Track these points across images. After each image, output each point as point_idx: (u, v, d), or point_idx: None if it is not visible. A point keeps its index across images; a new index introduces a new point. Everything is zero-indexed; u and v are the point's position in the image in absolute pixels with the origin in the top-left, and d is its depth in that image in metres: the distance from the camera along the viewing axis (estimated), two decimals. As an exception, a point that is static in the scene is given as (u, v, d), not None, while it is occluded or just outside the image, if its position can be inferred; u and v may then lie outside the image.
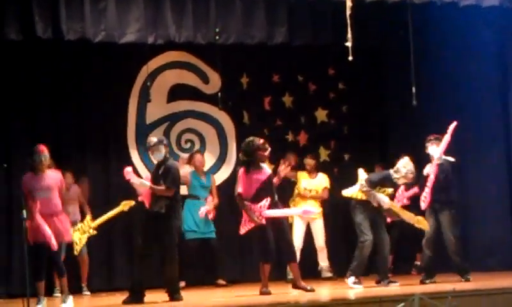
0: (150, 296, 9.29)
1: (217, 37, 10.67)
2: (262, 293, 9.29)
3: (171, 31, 10.58)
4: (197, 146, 12.39)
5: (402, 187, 10.10)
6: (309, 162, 12.03)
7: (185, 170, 11.36)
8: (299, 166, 12.13)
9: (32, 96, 11.66)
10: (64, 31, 10.10)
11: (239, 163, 9.74)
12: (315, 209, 10.61)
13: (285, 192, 11.27)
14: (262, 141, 9.52)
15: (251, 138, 9.55)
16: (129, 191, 9.77)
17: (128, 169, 9.40)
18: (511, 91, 11.64)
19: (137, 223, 9.82)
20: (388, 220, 10.11)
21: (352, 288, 9.62)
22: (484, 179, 11.63)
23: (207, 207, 11.55)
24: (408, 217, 9.91)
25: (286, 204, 10.80)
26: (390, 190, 9.87)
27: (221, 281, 11.50)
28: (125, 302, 9.06)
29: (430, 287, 9.36)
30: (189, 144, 12.41)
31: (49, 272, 9.81)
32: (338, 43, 10.04)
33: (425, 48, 11.31)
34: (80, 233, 10.93)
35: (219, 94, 11.64)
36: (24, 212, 8.49)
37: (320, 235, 11.91)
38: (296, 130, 12.84)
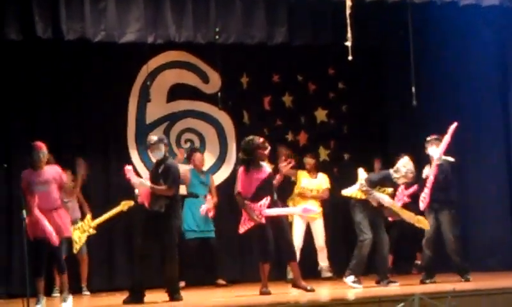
0: (150, 296, 9.30)
1: (217, 37, 10.67)
2: (262, 293, 9.29)
3: (171, 30, 10.59)
4: (197, 146, 12.39)
5: (402, 186, 10.10)
6: (309, 161, 12.04)
7: (184, 168, 11.36)
8: (299, 166, 12.13)
9: (32, 96, 11.66)
10: (64, 30, 10.11)
11: (238, 162, 9.74)
12: (315, 208, 10.60)
13: (284, 192, 11.28)
14: (261, 139, 9.53)
15: (250, 137, 9.55)
16: (129, 191, 9.77)
17: (129, 167, 9.40)
18: (511, 91, 11.64)
19: (137, 223, 9.82)
20: (390, 219, 10.10)
21: (352, 287, 9.61)
22: (484, 179, 11.63)
23: (207, 205, 11.56)
24: (408, 216, 9.91)
25: (285, 204, 10.79)
26: (390, 190, 9.87)
27: (221, 281, 11.50)
28: (125, 302, 9.06)
29: (430, 287, 9.36)
30: (188, 144, 12.41)
31: (49, 271, 9.81)
32: (338, 42, 10.04)
33: (425, 48, 11.31)
34: (80, 232, 10.94)
35: (219, 94, 11.64)
36: (24, 211, 8.49)
37: (320, 234, 11.91)
38: (296, 130, 12.84)
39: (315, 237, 11.90)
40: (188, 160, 11.85)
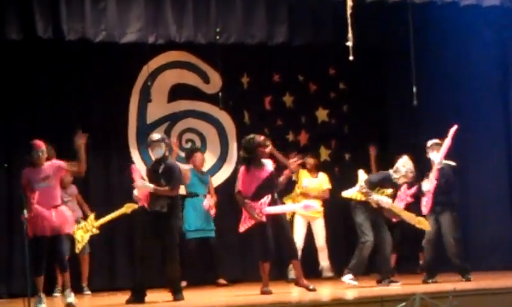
0: (151, 296, 9.30)
1: (217, 37, 10.68)
2: (263, 292, 9.29)
3: (172, 30, 10.60)
4: (198, 146, 12.38)
5: (404, 186, 10.10)
6: (309, 161, 12.04)
7: (183, 167, 11.37)
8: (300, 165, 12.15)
9: (32, 96, 11.66)
10: (64, 30, 10.12)
11: (239, 161, 9.73)
12: (316, 204, 10.56)
13: (285, 191, 11.26)
14: (262, 137, 9.54)
15: (251, 135, 9.56)
16: (130, 191, 9.74)
17: (136, 168, 9.39)
18: (511, 91, 11.64)
19: (138, 224, 9.80)
20: (394, 220, 10.11)
21: (348, 284, 9.61)
22: (485, 178, 11.64)
23: (208, 201, 11.56)
24: (409, 217, 9.91)
25: (283, 203, 10.77)
26: (390, 191, 9.87)
27: (221, 281, 11.50)
28: (128, 302, 9.06)
29: (431, 287, 9.37)
30: (189, 144, 12.42)
31: (50, 270, 9.81)
32: (339, 42, 10.04)
33: (425, 48, 11.30)
34: (83, 232, 10.95)
35: (220, 94, 11.65)
36: (25, 211, 8.49)
37: (320, 234, 11.91)
38: (297, 130, 12.84)
39: (315, 237, 11.90)
40: (188, 160, 11.83)
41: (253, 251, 11.02)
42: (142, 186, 9.21)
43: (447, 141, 9.92)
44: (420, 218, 9.89)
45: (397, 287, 9.58)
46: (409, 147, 11.38)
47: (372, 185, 9.80)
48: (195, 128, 12.47)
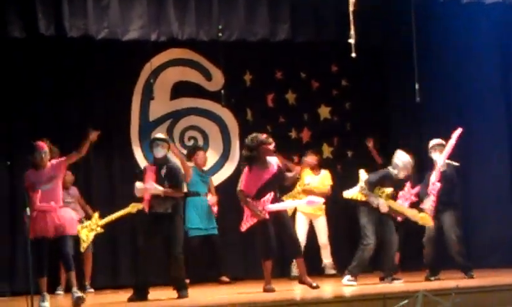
0: (154, 293, 9.31)
1: (220, 34, 10.70)
2: (265, 290, 9.29)
3: (174, 28, 10.60)
4: (200, 144, 12.39)
5: (408, 185, 10.10)
6: (312, 157, 12.03)
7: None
8: (301, 162, 12.15)
9: (35, 94, 11.67)
10: (67, 28, 10.13)
11: (242, 160, 9.68)
12: (319, 199, 10.50)
13: (285, 189, 11.25)
14: (265, 135, 9.53)
15: (253, 134, 9.54)
16: (132, 190, 9.73)
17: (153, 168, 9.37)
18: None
19: (140, 223, 9.78)
20: (399, 219, 10.10)
21: (346, 285, 9.62)
22: (486, 178, 11.63)
23: (213, 198, 11.57)
24: (411, 214, 9.91)
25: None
26: (390, 190, 9.85)
27: (224, 278, 11.51)
28: (130, 299, 9.07)
29: (434, 284, 9.36)
30: (192, 141, 12.41)
31: (52, 269, 9.82)
32: (341, 40, 10.03)
33: (427, 45, 11.30)
34: (87, 231, 10.96)
35: (222, 91, 11.67)
36: (28, 209, 8.49)
37: (323, 232, 11.91)
38: (299, 127, 12.84)
39: (318, 234, 11.90)
40: (190, 158, 11.82)
41: (255, 248, 11.02)
42: (152, 189, 9.19)
43: (451, 144, 9.88)
44: (423, 214, 9.88)
45: (399, 284, 9.58)
46: (412, 144, 11.41)
47: (372, 185, 9.79)
48: (197, 126, 12.47)
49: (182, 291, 9.13)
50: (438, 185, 9.91)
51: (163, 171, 9.24)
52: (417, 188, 10.43)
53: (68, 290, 9.73)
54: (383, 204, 9.75)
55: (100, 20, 10.29)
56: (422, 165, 10.53)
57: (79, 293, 8.84)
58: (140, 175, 9.42)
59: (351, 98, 13.04)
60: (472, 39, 11.59)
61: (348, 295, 8.59)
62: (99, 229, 11.01)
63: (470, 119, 11.60)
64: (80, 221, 10.78)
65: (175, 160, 9.58)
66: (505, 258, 11.30)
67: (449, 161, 10.04)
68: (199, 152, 11.86)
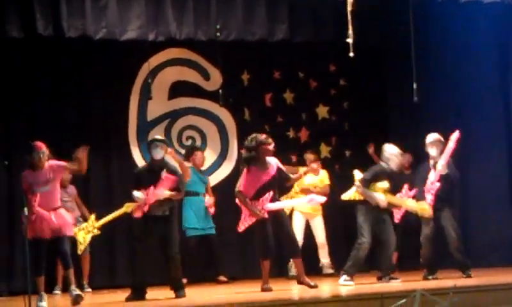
0: (152, 293, 9.31)
1: (218, 34, 10.69)
2: (263, 289, 9.29)
3: (172, 27, 10.61)
4: (198, 143, 12.39)
5: (405, 187, 10.10)
6: (309, 157, 12.03)
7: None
8: (299, 162, 12.16)
9: (33, 94, 11.66)
10: (65, 28, 10.14)
11: (242, 161, 9.65)
12: (321, 198, 10.49)
13: (283, 190, 11.25)
14: (264, 135, 9.53)
15: (253, 134, 9.54)
16: (129, 192, 9.71)
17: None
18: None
19: (136, 224, 9.74)
20: (396, 220, 10.10)
21: (343, 285, 9.62)
22: (485, 178, 11.63)
23: (210, 200, 11.57)
24: (410, 206, 9.93)
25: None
26: (386, 184, 9.86)
27: (222, 278, 11.51)
28: (127, 299, 9.07)
29: (431, 283, 9.37)
30: (190, 141, 12.41)
31: (50, 268, 9.82)
32: (339, 39, 10.03)
33: (426, 45, 11.31)
34: (84, 233, 10.95)
35: (220, 91, 11.64)
36: (26, 209, 8.49)
37: (320, 231, 11.92)
38: (297, 127, 12.84)
39: (315, 234, 11.90)
40: (188, 158, 11.80)
41: (253, 248, 11.02)
42: (162, 194, 9.19)
43: (450, 147, 9.88)
44: (421, 204, 9.88)
45: (397, 284, 9.58)
46: (410, 143, 11.42)
47: (367, 182, 9.81)
48: (195, 126, 12.48)
49: (179, 291, 9.13)
50: (437, 185, 9.91)
51: (163, 173, 9.23)
52: (414, 191, 10.44)
53: (65, 289, 9.74)
54: (381, 199, 9.76)
55: (98, 20, 10.30)
56: (420, 162, 10.52)
57: (78, 291, 8.85)
58: (138, 182, 9.37)
59: (349, 97, 13.04)
60: (470, 39, 11.60)
61: (346, 295, 8.60)
62: (96, 231, 11.00)
63: (468, 118, 11.62)
64: (76, 221, 10.76)
65: (173, 162, 9.58)
66: (504, 257, 11.31)
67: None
68: (197, 152, 11.86)
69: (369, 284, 9.64)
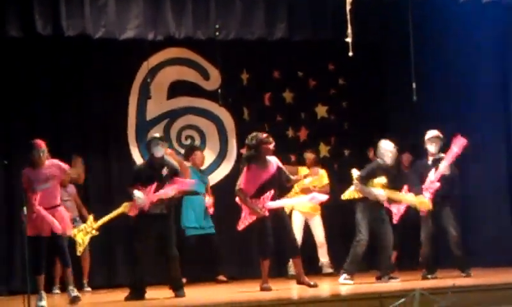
0: (151, 293, 9.31)
1: (217, 33, 10.69)
2: (262, 289, 9.29)
3: (171, 27, 10.60)
4: (197, 143, 12.39)
5: (405, 187, 10.11)
6: (309, 156, 12.03)
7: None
8: (299, 161, 12.16)
9: (32, 93, 11.65)
10: (64, 27, 10.13)
11: (243, 160, 9.66)
12: (323, 196, 10.49)
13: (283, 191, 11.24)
14: (265, 134, 9.56)
15: (254, 133, 9.58)
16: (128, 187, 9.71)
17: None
18: (511, 87, 11.62)
19: (134, 223, 9.73)
20: (395, 221, 10.10)
21: (343, 283, 9.63)
22: (485, 175, 11.62)
23: (210, 200, 11.57)
24: (410, 200, 9.94)
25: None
26: (384, 181, 9.87)
27: (221, 277, 11.50)
28: (127, 298, 9.07)
29: (430, 283, 9.37)
30: (189, 141, 12.41)
31: (49, 267, 9.81)
32: (338, 38, 10.03)
33: (425, 43, 11.30)
34: (83, 234, 10.94)
35: (219, 90, 11.65)
36: (25, 208, 8.50)
37: (319, 231, 11.91)
38: (296, 126, 12.84)
39: (314, 234, 11.90)
40: (187, 157, 11.80)
41: (252, 247, 11.04)
42: (169, 193, 9.22)
43: (454, 152, 9.90)
44: (421, 198, 9.89)
45: (396, 283, 9.58)
46: (409, 142, 11.41)
47: (364, 179, 9.84)
48: (195, 125, 12.47)
49: (178, 290, 9.14)
50: (437, 185, 9.92)
51: (164, 171, 9.24)
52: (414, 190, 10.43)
53: (64, 289, 9.74)
54: (380, 194, 9.77)
55: (97, 20, 10.29)
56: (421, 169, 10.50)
57: (76, 293, 8.86)
58: (138, 179, 9.36)
59: (348, 97, 13.04)
60: (469, 38, 11.58)
61: (345, 294, 8.60)
62: (94, 232, 11.00)
63: (468, 117, 11.60)
64: (74, 220, 10.75)
65: (171, 160, 9.57)
66: (503, 257, 11.29)
67: (443, 155, 10.10)
68: (197, 152, 11.86)
69: (368, 284, 9.64)
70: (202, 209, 11.55)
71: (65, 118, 11.76)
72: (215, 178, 12.21)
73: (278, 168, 9.49)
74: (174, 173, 9.31)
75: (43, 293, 8.89)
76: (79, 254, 10.77)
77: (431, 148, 10.07)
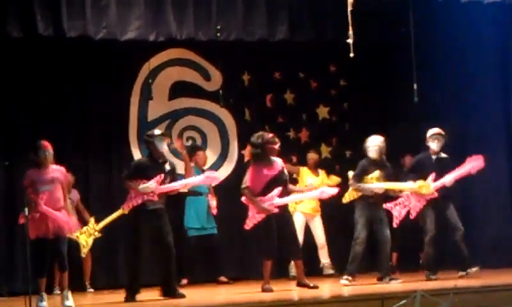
0: (151, 293, 9.30)
1: (218, 34, 10.68)
2: (264, 290, 9.30)
3: (173, 28, 10.59)
4: (198, 144, 12.38)
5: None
6: (312, 156, 12.05)
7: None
8: (301, 162, 12.16)
9: (33, 94, 11.65)
10: (65, 28, 10.12)
11: (251, 158, 9.71)
12: (332, 189, 10.45)
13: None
14: (271, 135, 9.63)
15: (260, 132, 9.68)
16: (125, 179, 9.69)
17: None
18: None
19: (132, 221, 9.73)
20: (395, 224, 10.10)
21: (344, 285, 9.63)
22: (486, 177, 11.59)
23: (214, 201, 11.57)
24: (409, 187, 9.94)
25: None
26: (377, 173, 9.88)
27: (222, 278, 11.50)
28: (126, 299, 9.07)
29: (432, 284, 9.37)
30: (190, 142, 12.41)
31: (50, 269, 9.81)
32: (340, 40, 10.03)
33: (426, 44, 11.30)
34: (86, 236, 10.95)
35: (221, 91, 11.66)
36: (26, 209, 8.49)
37: (320, 232, 11.92)
38: (298, 127, 12.84)
39: (315, 235, 11.90)
40: (189, 158, 11.80)
41: (253, 248, 11.04)
42: (177, 187, 9.35)
43: (467, 171, 9.93)
44: (420, 182, 9.89)
45: (397, 284, 9.58)
46: (410, 143, 11.41)
47: (358, 177, 9.90)
48: (196, 126, 12.47)
49: (171, 292, 9.07)
50: (435, 194, 9.95)
51: (167, 167, 9.29)
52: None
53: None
54: (376, 187, 9.80)
55: (98, 21, 10.28)
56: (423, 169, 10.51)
57: (70, 302, 8.84)
58: (139, 172, 9.36)
59: (349, 97, 13.04)
60: (471, 38, 11.58)
61: (346, 295, 8.60)
62: (97, 234, 11.02)
63: (469, 118, 11.60)
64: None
65: (171, 157, 9.63)
66: (504, 258, 11.28)
67: (445, 155, 10.10)
68: (199, 152, 11.87)
69: (369, 285, 9.64)
70: (205, 209, 11.55)
71: (66, 119, 11.76)
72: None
73: (282, 168, 9.53)
74: (174, 170, 9.41)
75: (44, 295, 8.89)
76: (83, 255, 10.80)
77: (433, 145, 10.10)
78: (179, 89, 12.42)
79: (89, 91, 11.90)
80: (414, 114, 11.83)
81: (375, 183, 9.88)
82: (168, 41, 10.95)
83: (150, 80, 11.60)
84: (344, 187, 10.36)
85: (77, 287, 10.45)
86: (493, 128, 11.72)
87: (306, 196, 10.66)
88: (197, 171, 11.63)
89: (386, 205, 10.01)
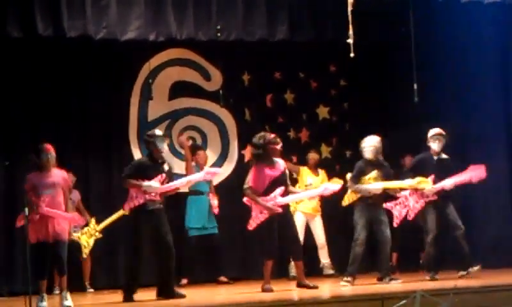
0: (151, 293, 9.30)
1: (218, 34, 10.68)
2: (264, 290, 9.30)
3: (173, 28, 10.60)
4: (199, 143, 12.38)
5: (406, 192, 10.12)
6: (313, 156, 12.05)
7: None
8: (301, 162, 12.16)
9: (33, 95, 11.65)
10: (65, 28, 10.12)
11: (253, 159, 9.72)
12: (335, 185, 10.46)
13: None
14: (273, 135, 9.64)
15: (262, 133, 9.70)
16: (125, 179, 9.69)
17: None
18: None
19: (132, 221, 9.73)
20: (395, 224, 10.10)
21: (344, 285, 9.65)
22: (487, 177, 11.60)
23: (215, 201, 11.57)
24: (408, 185, 9.94)
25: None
26: (374, 173, 9.87)
27: (223, 278, 11.50)
28: (125, 299, 9.07)
29: (432, 284, 9.37)
30: (190, 142, 12.40)
31: (50, 270, 9.81)
32: (340, 40, 10.03)
33: (426, 44, 11.30)
34: (87, 237, 10.98)
35: (221, 91, 11.67)
36: (26, 210, 8.49)
37: (320, 232, 11.92)
38: (298, 127, 12.84)
39: (315, 235, 11.90)
40: (191, 158, 11.81)
41: (253, 248, 11.03)
42: (178, 185, 9.34)
43: (468, 178, 9.94)
44: (418, 178, 9.90)
45: (397, 285, 9.58)
46: (410, 144, 11.40)
47: (356, 179, 9.91)
48: (196, 126, 12.47)
49: (169, 292, 9.07)
50: (435, 196, 9.95)
51: (165, 167, 9.30)
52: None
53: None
54: (374, 187, 9.80)
55: (98, 21, 10.28)
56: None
57: (69, 302, 8.84)
58: (140, 171, 9.37)
59: (350, 98, 13.04)
60: (471, 38, 11.59)
61: (346, 295, 8.60)
62: (98, 234, 11.04)
63: (469, 119, 11.60)
64: (74, 227, 10.75)
65: (169, 159, 9.65)
66: (504, 258, 11.28)
67: (446, 156, 10.10)
68: (199, 151, 11.86)
69: (369, 285, 9.64)
70: (206, 209, 11.54)
71: (66, 119, 11.76)
72: (216, 179, 12.18)
73: (284, 169, 9.55)
74: (171, 171, 9.47)
75: (45, 295, 8.89)
76: (84, 256, 10.83)
77: (434, 145, 10.10)
78: (179, 89, 12.42)
79: (89, 91, 11.90)
80: (414, 114, 11.83)
81: (372, 183, 9.87)
82: (168, 41, 10.95)
83: (150, 80, 11.61)
84: (344, 185, 10.34)
85: (77, 287, 10.45)
86: (493, 128, 11.72)
87: (309, 194, 10.66)
88: (197, 171, 11.63)
89: (387, 205, 10.02)
